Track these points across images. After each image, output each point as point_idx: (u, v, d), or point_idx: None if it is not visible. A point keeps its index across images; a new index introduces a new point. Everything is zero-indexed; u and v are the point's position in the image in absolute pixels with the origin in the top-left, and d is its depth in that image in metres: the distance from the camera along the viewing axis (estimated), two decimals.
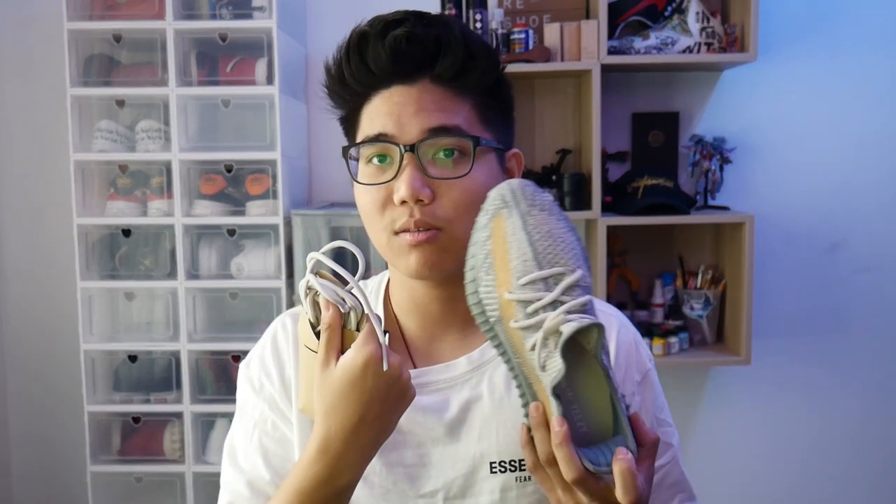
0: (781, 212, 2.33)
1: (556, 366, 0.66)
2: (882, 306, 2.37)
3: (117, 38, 2.12)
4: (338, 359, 0.75)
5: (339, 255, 0.78)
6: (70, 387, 2.30)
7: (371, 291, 0.95)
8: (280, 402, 0.89)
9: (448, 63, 0.81)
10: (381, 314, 0.92)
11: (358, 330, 0.77)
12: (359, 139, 0.84)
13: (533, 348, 0.68)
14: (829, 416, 2.41)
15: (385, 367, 0.74)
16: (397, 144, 0.80)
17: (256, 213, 2.12)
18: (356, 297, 0.77)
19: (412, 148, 0.80)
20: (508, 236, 0.72)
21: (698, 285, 2.25)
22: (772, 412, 2.41)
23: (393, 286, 0.93)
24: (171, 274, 2.12)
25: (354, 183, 0.85)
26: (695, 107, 2.32)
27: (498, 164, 0.86)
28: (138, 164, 2.15)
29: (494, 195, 0.75)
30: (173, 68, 2.06)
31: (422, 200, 0.80)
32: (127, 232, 2.15)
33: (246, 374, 0.93)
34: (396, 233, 0.82)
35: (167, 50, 2.06)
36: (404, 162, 0.80)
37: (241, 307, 2.17)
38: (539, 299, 0.69)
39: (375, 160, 0.83)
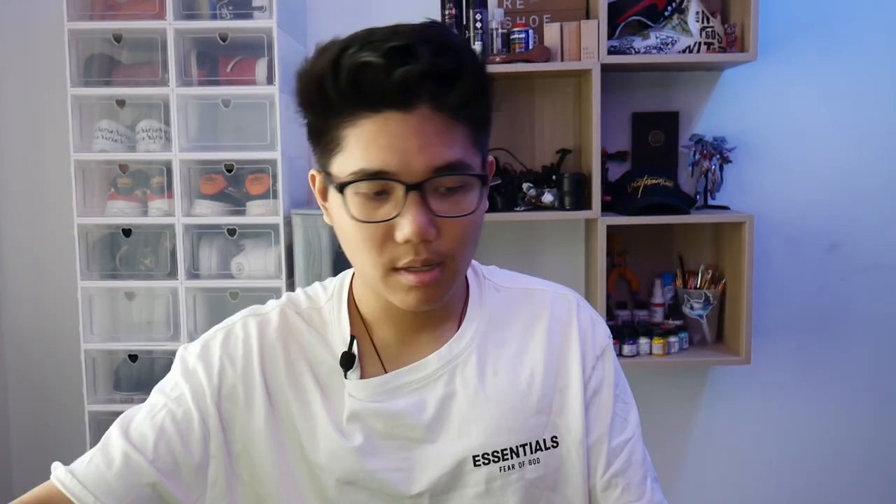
0: (781, 212, 2.33)
1: None
2: (882, 306, 2.38)
3: (118, 38, 2.12)
4: None
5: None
6: (70, 386, 2.30)
7: (333, 294, 0.92)
8: (207, 398, 0.85)
9: (457, 96, 0.76)
10: (347, 319, 0.89)
11: None
12: (349, 166, 0.77)
13: None
14: (828, 416, 2.41)
15: None
16: (402, 183, 0.75)
17: (257, 213, 2.12)
18: None
19: (418, 186, 0.75)
20: None
21: (698, 285, 2.25)
22: (772, 412, 2.42)
23: (361, 294, 0.90)
24: (172, 274, 2.12)
25: (346, 215, 0.78)
26: (695, 107, 2.32)
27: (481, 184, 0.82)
28: (139, 163, 2.15)
29: None
30: (173, 68, 2.06)
31: (427, 240, 0.76)
32: (127, 231, 2.15)
33: (183, 354, 0.89)
34: (396, 269, 0.79)
35: (167, 50, 2.06)
36: (408, 200, 0.75)
37: (242, 307, 2.15)
38: None
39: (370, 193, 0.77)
